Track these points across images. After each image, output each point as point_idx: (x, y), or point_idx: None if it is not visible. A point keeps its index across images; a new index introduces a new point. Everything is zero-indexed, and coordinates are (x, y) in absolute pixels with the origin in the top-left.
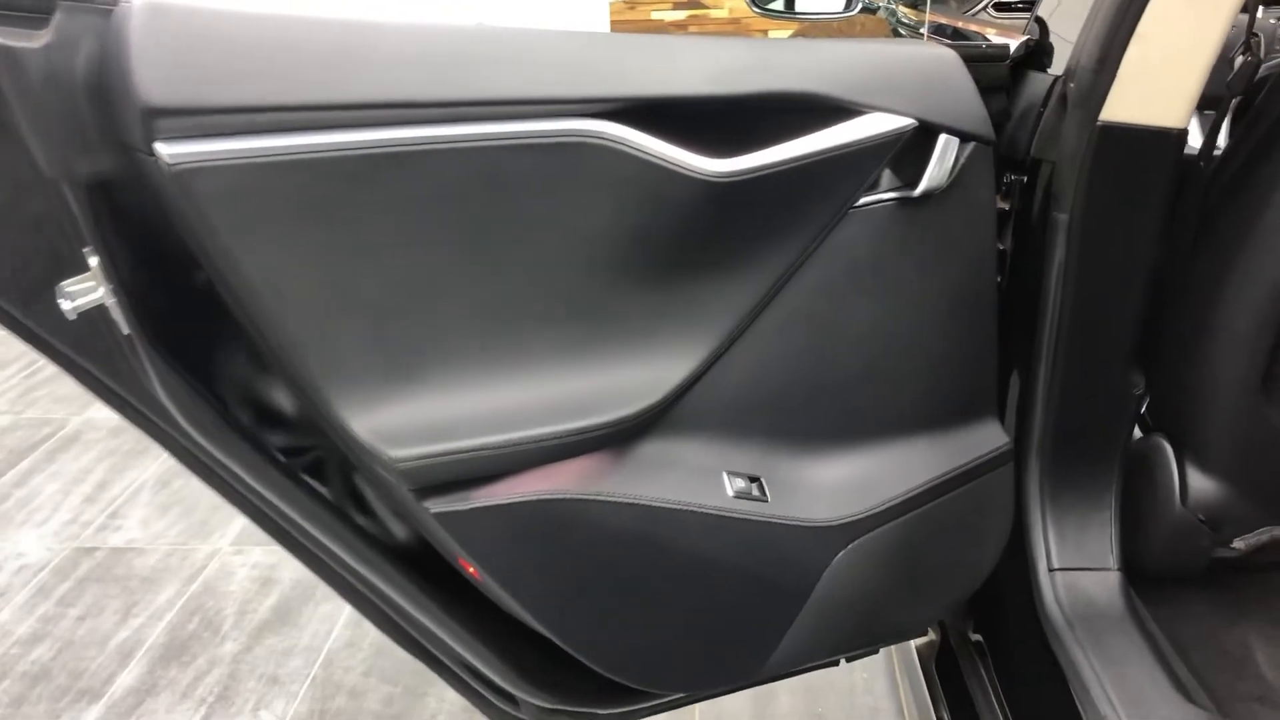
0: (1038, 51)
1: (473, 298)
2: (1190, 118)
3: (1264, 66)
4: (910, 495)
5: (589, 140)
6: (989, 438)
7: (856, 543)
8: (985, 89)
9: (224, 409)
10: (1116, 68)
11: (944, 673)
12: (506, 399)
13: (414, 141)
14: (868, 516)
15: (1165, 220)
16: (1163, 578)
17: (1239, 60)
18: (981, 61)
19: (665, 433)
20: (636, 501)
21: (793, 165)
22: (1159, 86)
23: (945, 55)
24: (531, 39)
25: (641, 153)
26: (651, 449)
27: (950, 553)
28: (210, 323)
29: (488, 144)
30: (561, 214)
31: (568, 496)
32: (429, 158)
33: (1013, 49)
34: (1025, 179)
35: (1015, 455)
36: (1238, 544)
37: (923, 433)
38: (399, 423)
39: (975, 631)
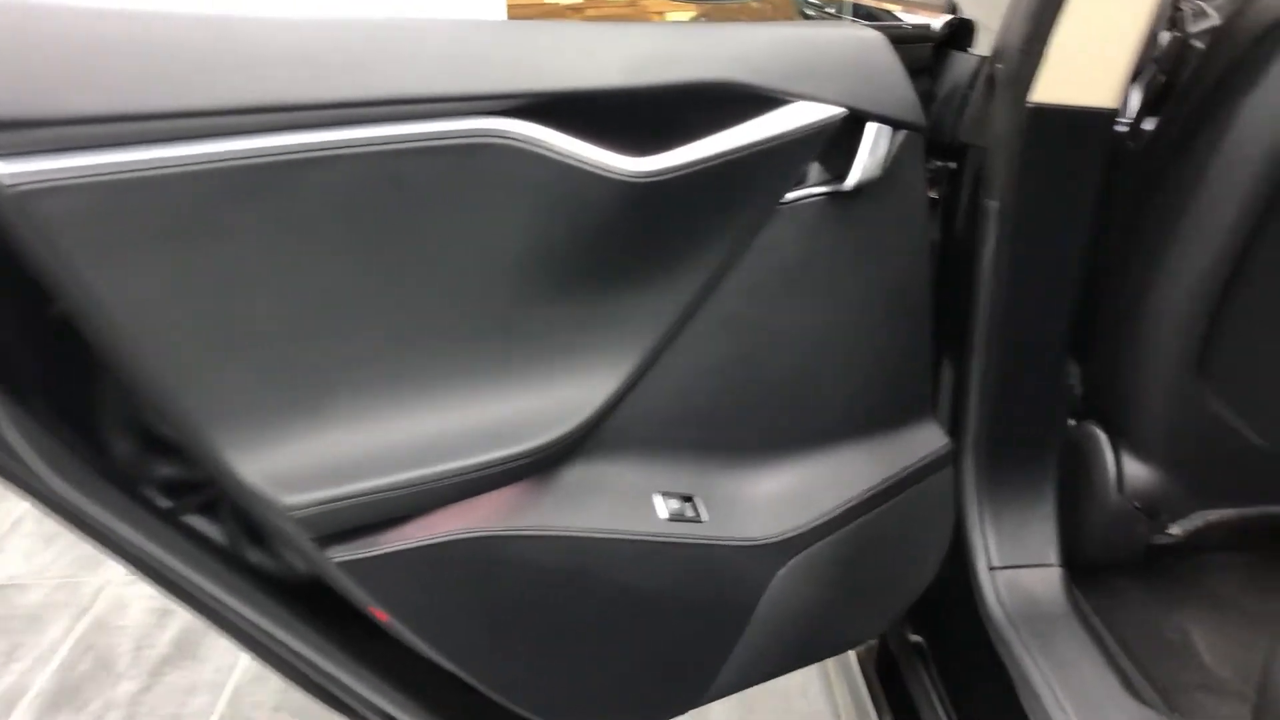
0: (961, 31)
1: (372, 321)
2: (1121, 96)
3: (1190, 41)
4: (851, 505)
5: (494, 141)
6: (928, 440)
7: (797, 558)
8: (909, 71)
9: (92, 453)
10: (1045, 47)
11: (884, 676)
12: (416, 431)
13: (296, 149)
14: (808, 530)
15: (1098, 202)
16: (1100, 567)
17: (1164, 35)
18: (905, 42)
19: (592, 456)
20: (563, 534)
21: (716, 162)
22: (1089, 65)
23: (872, 38)
24: (427, 30)
25: (553, 153)
26: (577, 475)
27: (893, 561)
28: (70, 358)
29: (381, 149)
30: (468, 223)
31: (488, 534)
32: (314, 166)
33: (935, 28)
34: (953, 165)
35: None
36: (1174, 530)
37: (862, 438)
38: (294, 465)
39: (915, 633)
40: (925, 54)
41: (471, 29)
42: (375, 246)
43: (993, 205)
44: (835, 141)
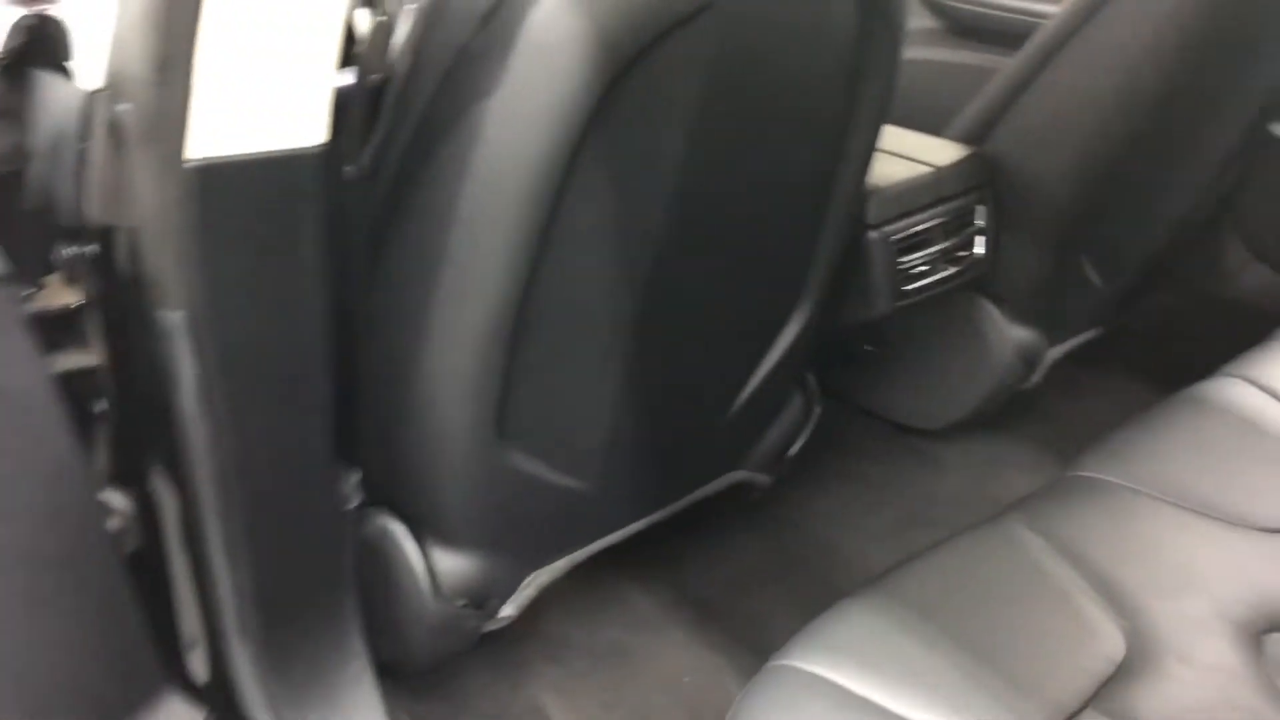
0: (43, 40)
1: None
2: (328, 124)
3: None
4: None
5: None
6: None
7: None
8: None
9: None
10: (191, 74)
11: None
12: None
13: None
14: None
15: (333, 267)
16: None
17: (362, 17)
18: None
19: None
20: None
21: None
22: (276, 90)
23: None
24: None
25: None
26: None
27: None
28: None
29: None
30: None
31: None
32: None
33: None
34: (97, 249)
35: (214, 669)
36: (508, 611)
37: None
38: None
39: None
40: None
41: None
42: None
43: (174, 318)
44: None
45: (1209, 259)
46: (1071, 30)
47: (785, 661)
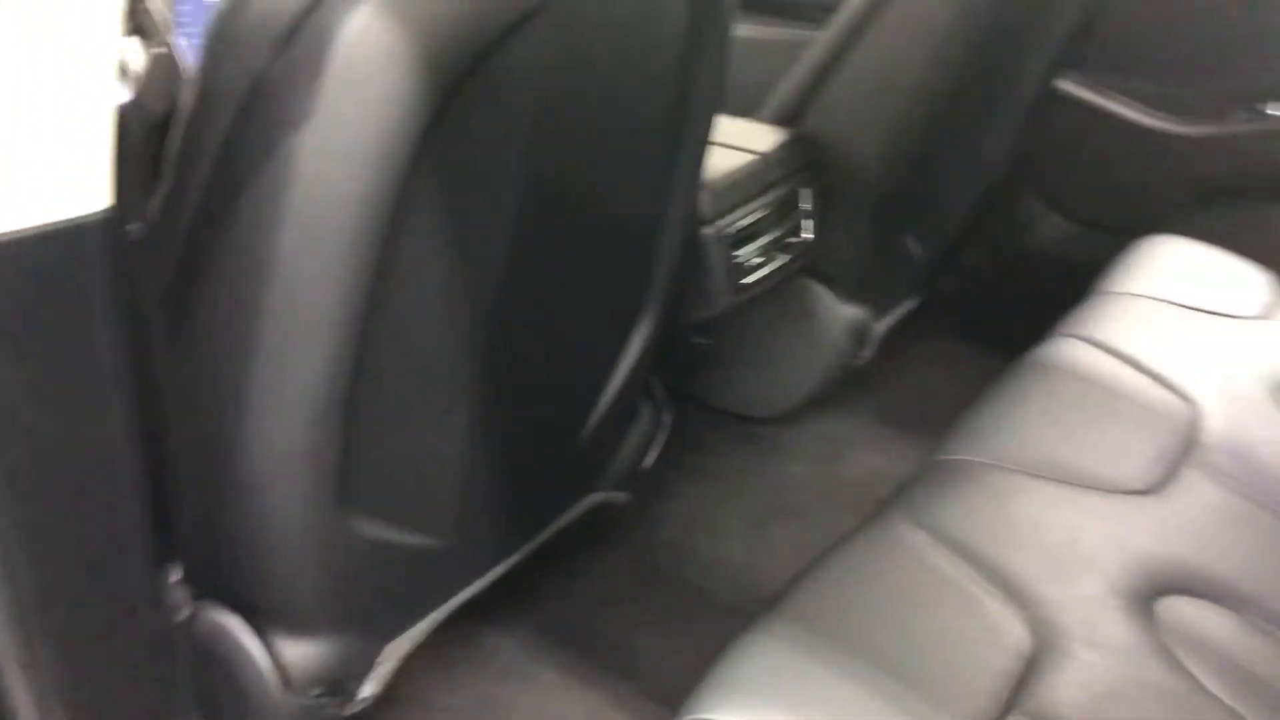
0: None
1: None
2: (111, 187)
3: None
4: None
5: None
6: None
7: None
8: None
9: None
10: None
11: None
12: None
13: None
14: None
15: (130, 348)
16: None
17: (132, 50)
18: None
19: None
20: None
21: None
22: (35, 157)
23: None
24: None
25: None
26: None
27: None
28: None
29: None
30: None
31: None
32: None
33: None
34: None
35: None
36: (368, 691)
37: None
38: None
39: None
40: None
41: None
42: None
43: None
44: None
45: (1008, 216)
46: (878, 3)
47: (700, 716)
